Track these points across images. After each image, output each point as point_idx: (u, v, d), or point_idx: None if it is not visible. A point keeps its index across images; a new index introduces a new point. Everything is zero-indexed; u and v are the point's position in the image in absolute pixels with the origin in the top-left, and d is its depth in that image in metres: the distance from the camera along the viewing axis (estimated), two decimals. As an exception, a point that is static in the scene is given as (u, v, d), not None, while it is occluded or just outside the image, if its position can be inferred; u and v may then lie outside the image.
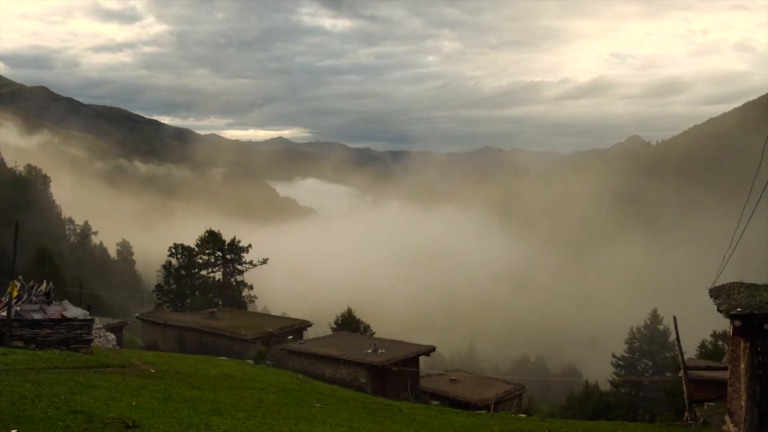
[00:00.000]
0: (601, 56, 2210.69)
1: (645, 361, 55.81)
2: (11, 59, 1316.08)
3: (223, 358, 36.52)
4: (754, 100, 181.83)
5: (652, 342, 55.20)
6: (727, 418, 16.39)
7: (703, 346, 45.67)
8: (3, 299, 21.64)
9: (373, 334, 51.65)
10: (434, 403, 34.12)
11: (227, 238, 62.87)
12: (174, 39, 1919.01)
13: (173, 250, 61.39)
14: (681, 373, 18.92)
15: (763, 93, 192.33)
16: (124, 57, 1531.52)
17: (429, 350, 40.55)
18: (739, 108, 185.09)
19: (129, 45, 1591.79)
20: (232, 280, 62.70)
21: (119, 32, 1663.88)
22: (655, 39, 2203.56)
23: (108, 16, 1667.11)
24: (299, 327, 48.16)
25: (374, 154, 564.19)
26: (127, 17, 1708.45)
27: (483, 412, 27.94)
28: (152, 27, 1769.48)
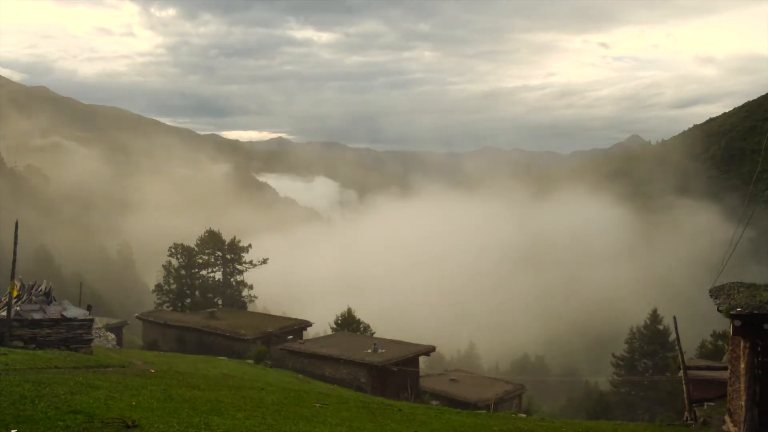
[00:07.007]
0: (575, 63, 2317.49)
1: (645, 361, 55.71)
2: (10, 64, 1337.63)
3: (223, 358, 36.53)
4: (753, 100, 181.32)
5: (652, 342, 55.16)
6: (727, 418, 16.40)
7: (703, 346, 45.68)
8: (3, 299, 21.63)
9: (373, 334, 51.63)
10: (434, 403, 34.11)
11: (227, 237, 62.92)
12: (167, 51, 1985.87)
13: (173, 250, 61.40)
14: (681, 373, 18.94)
15: (748, 95, 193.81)
16: (120, 66, 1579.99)
17: (429, 350, 40.56)
18: (739, 108, 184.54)
19: (125, 57, 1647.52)
20: (232, 280, 62.75)
21: (115, 44, 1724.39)
22: (615, 51, 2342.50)
23: (103, 32, 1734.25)
24: (299, 327, 48.15)
25: (373, 154, 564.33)
26: (122, 32, 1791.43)
27: (483, 412, 27.94)
28: (147, 41, 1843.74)
